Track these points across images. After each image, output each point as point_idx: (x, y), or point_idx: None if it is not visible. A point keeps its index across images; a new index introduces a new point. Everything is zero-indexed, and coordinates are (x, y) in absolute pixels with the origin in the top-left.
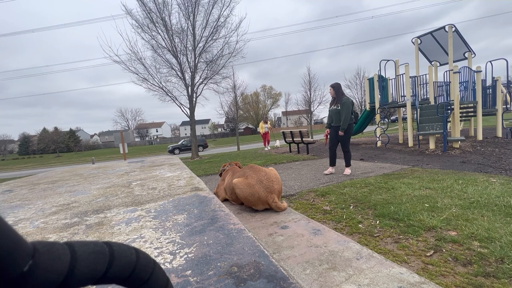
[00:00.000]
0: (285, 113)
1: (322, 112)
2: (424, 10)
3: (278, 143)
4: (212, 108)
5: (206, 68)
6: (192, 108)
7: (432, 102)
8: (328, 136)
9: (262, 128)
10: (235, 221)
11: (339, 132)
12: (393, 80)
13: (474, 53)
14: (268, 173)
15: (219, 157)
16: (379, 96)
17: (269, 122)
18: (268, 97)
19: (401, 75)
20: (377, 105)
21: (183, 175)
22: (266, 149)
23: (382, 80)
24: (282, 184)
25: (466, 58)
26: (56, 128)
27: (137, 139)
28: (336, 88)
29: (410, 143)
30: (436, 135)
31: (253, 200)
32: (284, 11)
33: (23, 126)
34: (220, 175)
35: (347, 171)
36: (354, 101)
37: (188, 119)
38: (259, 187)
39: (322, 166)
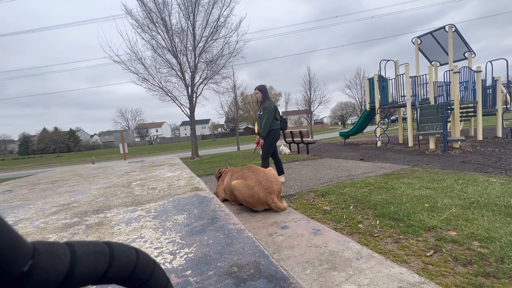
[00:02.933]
0: (285, 113)
1: (322, 112)
2: (424, 10)
3: (284, 149)
4: (212, 108)
5: (206, 68)
6: (192, 108)
7: (432, 102)
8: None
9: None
10: (235, 221)
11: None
12: (393, 80)
13: (474, 53)
14: (267, 173)
15: (219, 157)
16: (379, 96)
17: None
18: None
19: (401, 75)
20: (377, 105)
21: (183, 175)
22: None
23: (382, 80)
24: (283, 183)
25: (466, 58)
26: (56, 128)
27: (137, 139)
28: (263, 92)
29: (410, 143)
30: (436, 135)
31: (253, 202)
32: (282, 11)
33: (23, 126)
34: (218, 178)
35: None
36: (354, 101)
37: (188, 119)
38: (258, 188)
39: (322, 166)
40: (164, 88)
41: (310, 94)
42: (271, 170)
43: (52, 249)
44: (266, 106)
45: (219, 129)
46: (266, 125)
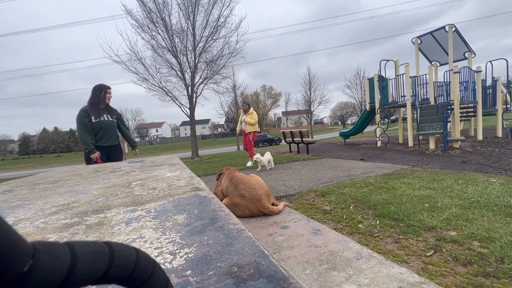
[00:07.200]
0: (285, 113)
1: (322, 112)
2: (423, 10)
3: (261, 158)
4: (212, 108)
5: (206, 68)
6: (192, 108)
7: (432, 102)
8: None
9: (241, 122)
10: (235, 221)
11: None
12: (393, 80)
13: (474, 53)
14: (247, 182)
15: (219, 157)
16: (379, 96)
17: (251, 110)
18: (268, 97)
19: (401, 75)
20: (377, 105)
21: (183, 175)
22: (248, 163)
23: (382, 80)
24: (283, 183)
25: (466, 58)
26: (56, 128)
27: (137, 139)
28: (92, 92)
29: (410, 143)
30: (436, 135)
31: (247, 215)
32: (281, 10)
33: (23, 126)
34: (218, 179)
35: None
36: (354, 101)
37: (188, 119)
38: (244, 202)
39: (322, 166)
40: (164, 88)
41: (310, 94)
42: (253, 176)
43: (52, 249)
44: (78, 113)
45: (219, 129)
46: (79, 137)
